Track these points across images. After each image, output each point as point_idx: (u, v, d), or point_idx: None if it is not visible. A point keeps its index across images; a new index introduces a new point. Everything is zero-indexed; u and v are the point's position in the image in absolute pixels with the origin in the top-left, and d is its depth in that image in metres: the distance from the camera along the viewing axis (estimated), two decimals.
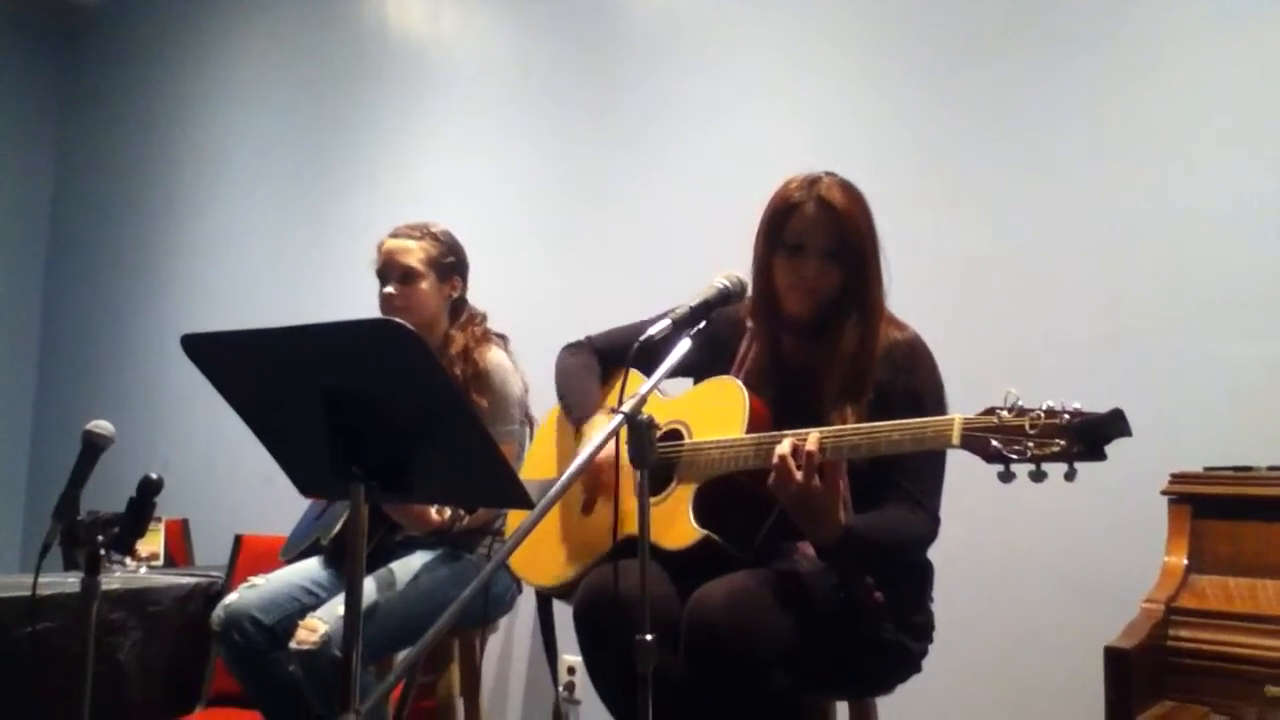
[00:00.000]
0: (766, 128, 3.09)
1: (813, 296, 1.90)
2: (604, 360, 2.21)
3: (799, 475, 1.66)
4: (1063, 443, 1.46)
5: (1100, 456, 1.45)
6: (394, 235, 2.64)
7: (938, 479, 1.87)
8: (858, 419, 1.80)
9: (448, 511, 2.33)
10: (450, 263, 2.64)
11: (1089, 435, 1.44)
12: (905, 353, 1.89)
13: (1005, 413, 1.51)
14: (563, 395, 2.19)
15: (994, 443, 1.51)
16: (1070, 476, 1.46)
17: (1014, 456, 1.49)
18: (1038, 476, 1.48)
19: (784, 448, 1.68)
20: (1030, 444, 1.48)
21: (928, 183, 2.75)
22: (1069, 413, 1.47)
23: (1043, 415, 1.48)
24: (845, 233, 1.87)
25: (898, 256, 1.96)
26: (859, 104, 2.94)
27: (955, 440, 1.56)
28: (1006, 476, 1.50)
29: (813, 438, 1.67)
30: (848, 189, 1.90)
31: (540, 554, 2.09)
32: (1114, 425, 1.44)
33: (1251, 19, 2.35)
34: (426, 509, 2.31)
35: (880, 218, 1.93)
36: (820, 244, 1.88)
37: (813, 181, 1.90)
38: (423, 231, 2.64)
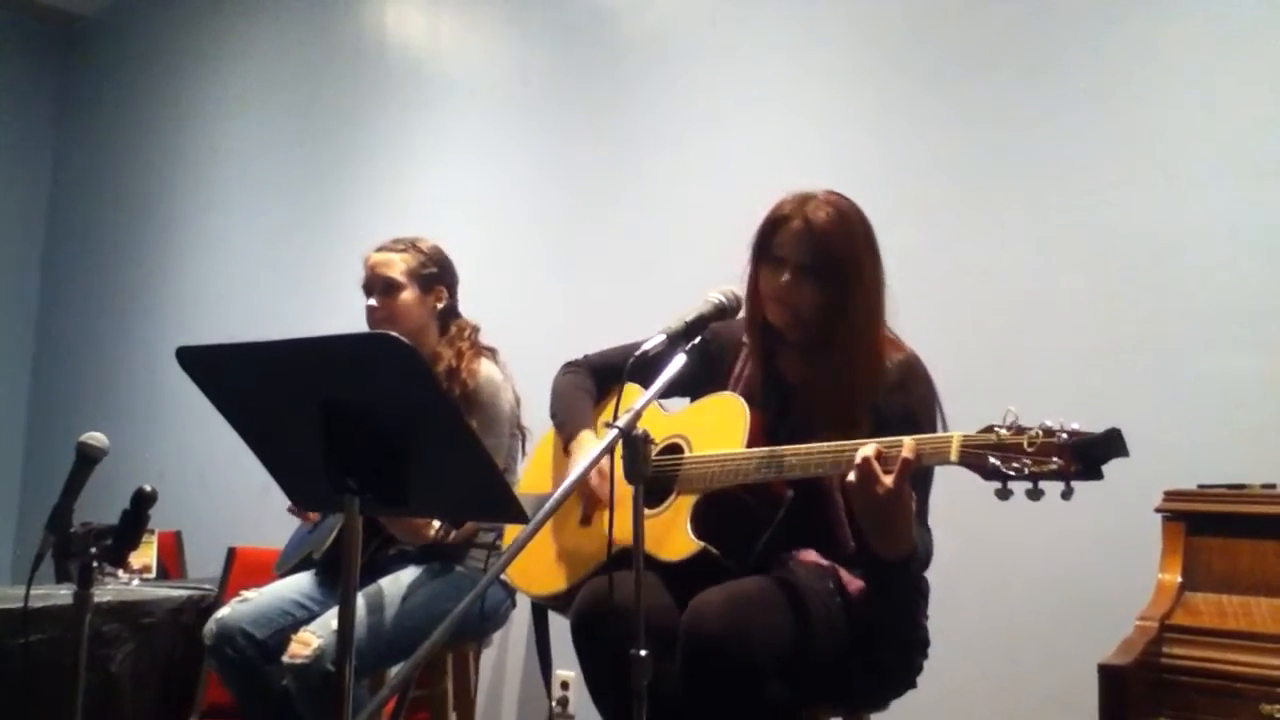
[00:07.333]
0: (766, 137, 3.09)
1: (787, 308, 1.90)
2: (600, 378, 2.20)
3: (888, 480, 1.59)
4: (1060, 461, 1.46)
5: (1097, 476, 1.45)
6: (378, 249, 2.66)
7: (927, 498, 1.88)
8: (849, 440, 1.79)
9: (436, 524, 2.34)
10: (432, 273, 2.64)
11: (1086, 454, 1.45)
12: (899, 374, 1.88)
13: (1003, 430, 1.52)
14: (554, 415, 2.20)
15: (992, 460, 1.51)
16: (1067, 495, 1.46)
17: (1011, 474, 1.49)
18: (1035, 494, 1.48)
19: (869, 450, 1.61)
20: (1028, 462, 1.48)
21: (923, 195, 2.75)
22: (1067, 432, 1.47)
23: (1040, 434, 1.48)
24: (820, 250, 1.86)
25: (891, 268, 1.95)
26: (858, 113, 2.95)
27: (953, 457, 1.56)
28: (1004, 494, 1.51)
29: (908, 444, 1.60)
30: (838, 208, 1.89)
31: (537, 564, 2.09)
32: (1111, 445, 1.44)
33: (1245, 34, 2.36)
34: (422, 522, 2.31)
35: (874, 228, 1.92)
36: (797, 259, 1.88)
37: (806, 199, 1.90)
38: (406, 244, 2.64)
